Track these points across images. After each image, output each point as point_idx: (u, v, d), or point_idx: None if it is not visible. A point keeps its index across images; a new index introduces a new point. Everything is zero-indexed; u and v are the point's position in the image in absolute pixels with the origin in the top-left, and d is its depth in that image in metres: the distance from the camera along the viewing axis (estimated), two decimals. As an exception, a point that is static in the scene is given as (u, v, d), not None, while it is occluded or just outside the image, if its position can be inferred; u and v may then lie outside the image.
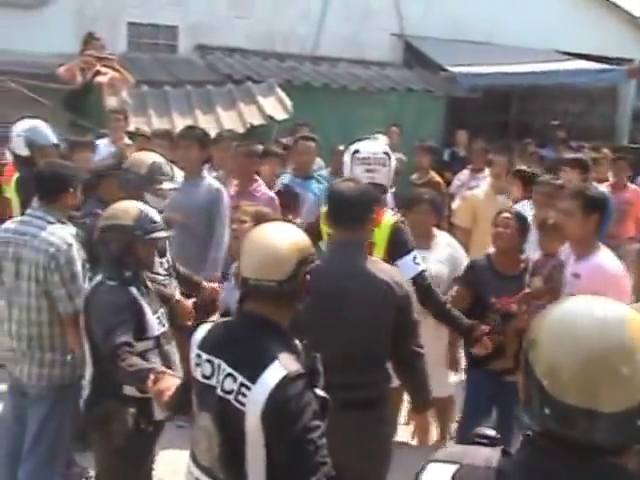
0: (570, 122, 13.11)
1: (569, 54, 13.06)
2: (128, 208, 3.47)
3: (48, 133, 5.65)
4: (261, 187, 5.96)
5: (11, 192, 5.86)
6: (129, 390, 3.25)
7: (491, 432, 1.66)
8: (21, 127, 5.67)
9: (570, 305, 1.53)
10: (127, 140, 7.53)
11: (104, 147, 7.10)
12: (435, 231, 5.03)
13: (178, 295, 4.30)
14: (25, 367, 3.95)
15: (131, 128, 7.95)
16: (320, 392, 2.39)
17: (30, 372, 3.94)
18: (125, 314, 3.25)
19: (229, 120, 8.56)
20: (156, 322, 3.44)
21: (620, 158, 7.85)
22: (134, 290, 3.39)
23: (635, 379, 1.40)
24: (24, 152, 5.55)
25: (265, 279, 2.41)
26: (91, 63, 8.14)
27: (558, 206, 4.39)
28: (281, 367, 2.32)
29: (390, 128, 9.41)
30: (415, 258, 3.91)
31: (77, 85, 8.22)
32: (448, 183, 8.26)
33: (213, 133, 8.21)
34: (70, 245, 3.86)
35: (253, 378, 2.33)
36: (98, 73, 8.25)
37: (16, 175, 5.80)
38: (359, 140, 4.36)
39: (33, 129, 5.61)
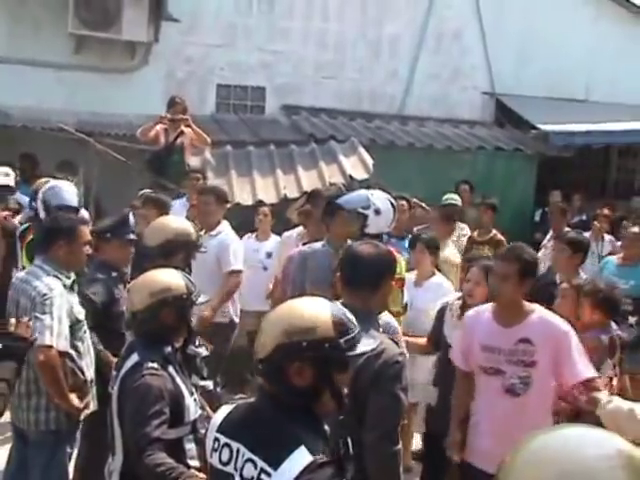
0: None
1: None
2: (175, 277, 3.36)
3: (68, 195, 5.13)
4: None
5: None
6: None
7: None
8: (43, 188, 5.18)
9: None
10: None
11: (179, 206, 7.10)
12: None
13: None
14: (24, 412, 3.94)
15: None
16: None
17: (28, 417, 3.93)
18: (163, 402, 2.97)
19: (309, 179, 8.43)
20: (193, 405, 3.16)
21: None
22: (173, 371, 3.14)
23: None
24: (42, 214, 5.07)
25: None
26: (174, 125, 8.22)
27: None
28: (307, 452, 2.04)
29: (461, 186, 9.27)
30: None
31: (160, 146, 8.31)
32: (538, 244, 7.92)
33: (294, 193, 8.22)
34: (52, 289, 3.86)
35: (274, 463, 2.04)
36: (182, 134, 8.33)
37: (29, 238, 5.27)
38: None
39: (51, 190, 5.13)
